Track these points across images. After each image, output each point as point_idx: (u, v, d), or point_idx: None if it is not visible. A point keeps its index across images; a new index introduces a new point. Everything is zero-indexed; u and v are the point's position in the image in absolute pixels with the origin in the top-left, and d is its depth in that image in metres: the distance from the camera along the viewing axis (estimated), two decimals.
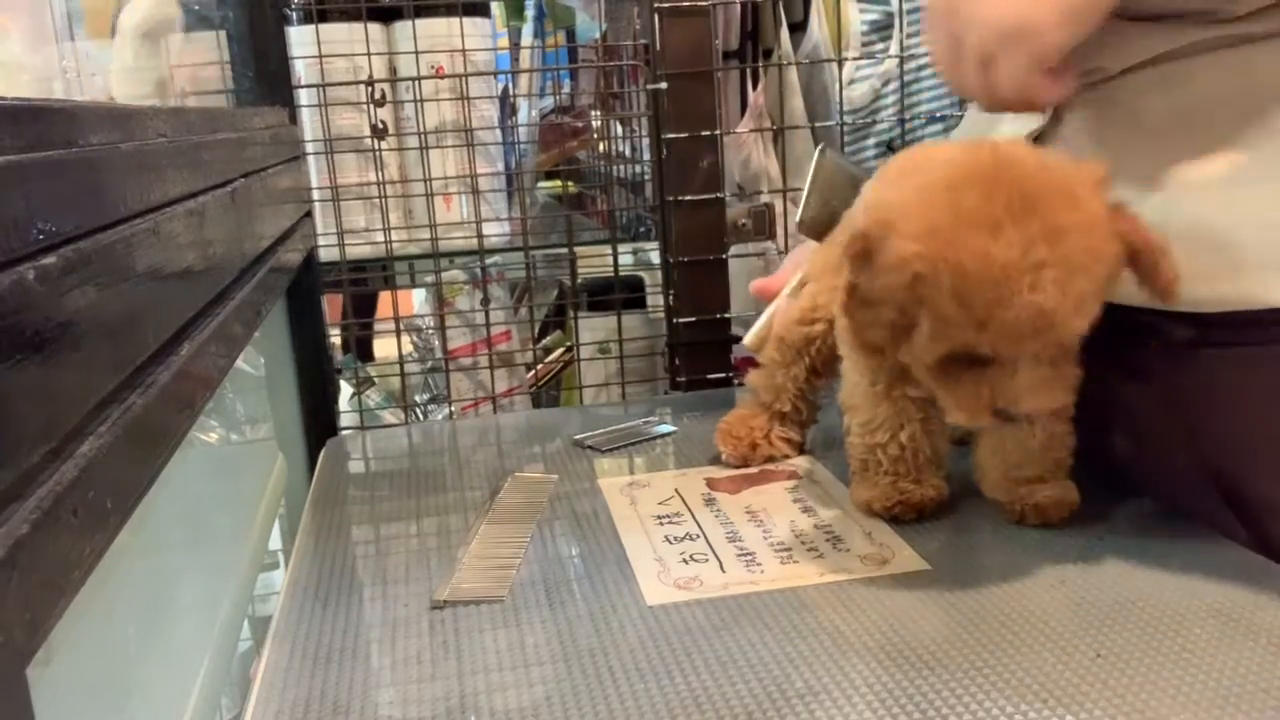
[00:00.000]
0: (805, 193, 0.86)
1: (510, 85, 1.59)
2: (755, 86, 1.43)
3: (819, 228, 0.85)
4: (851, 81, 1.29)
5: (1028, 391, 0.58)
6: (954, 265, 0.54)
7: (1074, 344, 0.59)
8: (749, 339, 0.89)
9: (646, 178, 1.39)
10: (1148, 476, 0.70)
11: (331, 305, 1.37)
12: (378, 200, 1.25)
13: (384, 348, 1.58)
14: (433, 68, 1.29)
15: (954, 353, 0.59)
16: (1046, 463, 0.68)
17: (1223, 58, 0.63)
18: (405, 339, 1.39)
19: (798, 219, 0.87)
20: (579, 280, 1.37)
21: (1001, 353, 0.58)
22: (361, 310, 1.51)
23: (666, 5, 1.10)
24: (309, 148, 1.22)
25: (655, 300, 1.33)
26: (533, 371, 1.54)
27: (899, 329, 0.59)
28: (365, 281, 1.33)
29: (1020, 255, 0.54)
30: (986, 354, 0.58)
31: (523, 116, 1.70)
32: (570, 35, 1.94)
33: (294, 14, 1.27)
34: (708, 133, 1.14)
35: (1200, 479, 0.66)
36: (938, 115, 1.22)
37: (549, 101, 1.91)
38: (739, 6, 1.38)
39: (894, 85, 1.25)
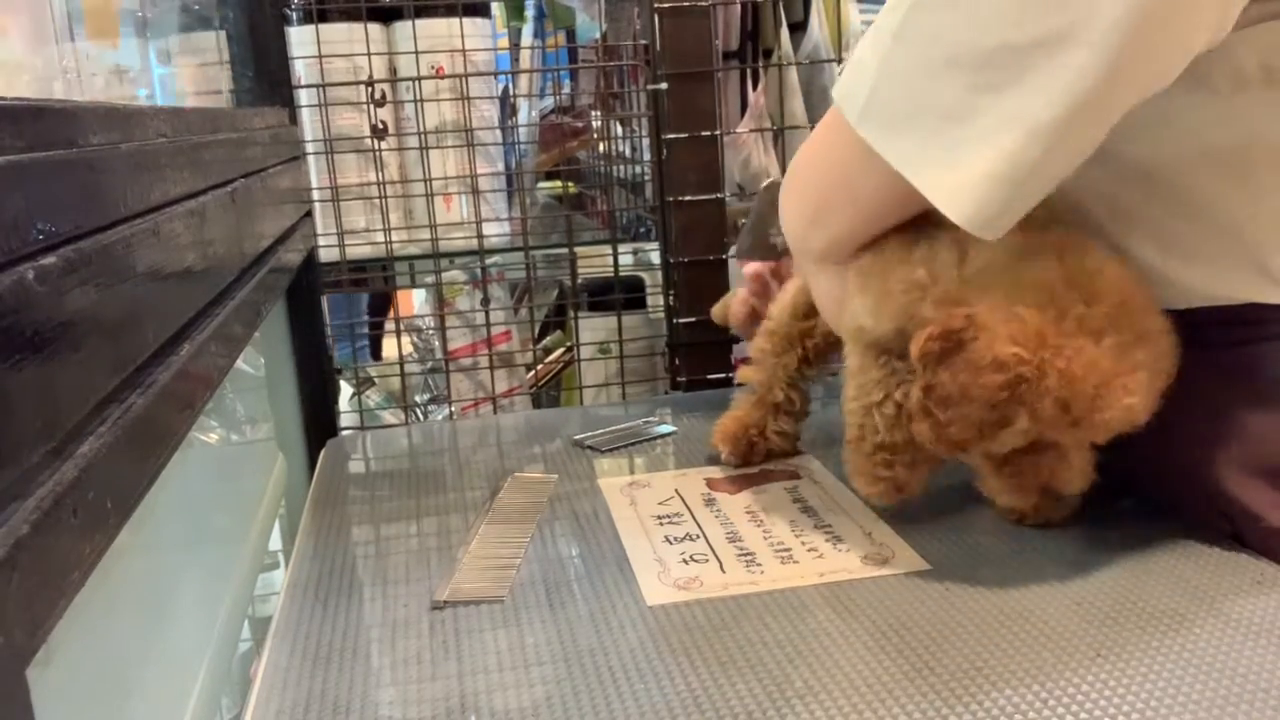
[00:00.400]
0: (747, 223, 0.89)
1: (510, 85, 1.59)
2: (755, 87, 1.43)
3: (755, 257, 0.91)
4: None
5: (1080, 475, 0.61)
6: (1063, 371, 0.55)
7: None
8: (715, 309, 0.92)
9: (646, 178, 1.39)
10: (1145, 478, 0.70)
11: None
12: (378, 200, 1.25)
13: (384, 348, 1.58)
14: (433, 68, 1.29)
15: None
16: None
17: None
18: (405, 339, 1.39)
19: (734, 250, 0.91)
20: (579, 280, 1.37)
21: (1072, 443, 0.59)
22: (373, 310, 1.51)
23: (666, 5, 1.10)
24: (309, 148, 1.22)
25: (655, 300, 1.33)
26: (533, 372, 1.54)
27: (988, 426, 0.57)
28: (365, 282, 1.33)
29: (1121, 361, 0.56)
30: (1052, 441, 0.58)
31: (523, 117, 1.70)
32: (570, 35, 1.93)
33: (294, 14, 1.27)
34: (708, 133, 1.14)
35: (1193, 481, 0.66)
36: None
37: (549, 102, 1.91)
38: (739, 6, 1.38)
39: None
